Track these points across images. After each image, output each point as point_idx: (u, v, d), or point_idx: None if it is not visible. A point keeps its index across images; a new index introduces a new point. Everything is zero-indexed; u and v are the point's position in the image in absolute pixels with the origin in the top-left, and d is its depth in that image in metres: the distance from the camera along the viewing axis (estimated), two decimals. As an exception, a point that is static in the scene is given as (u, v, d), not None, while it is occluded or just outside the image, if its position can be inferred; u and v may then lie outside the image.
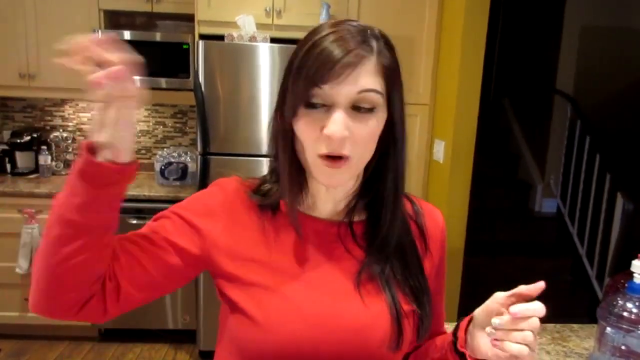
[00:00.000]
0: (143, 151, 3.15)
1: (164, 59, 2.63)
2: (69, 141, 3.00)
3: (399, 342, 0.70)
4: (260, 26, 2.38)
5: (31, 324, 2.66)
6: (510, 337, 0.63)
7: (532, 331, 0.62)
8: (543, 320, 0.64)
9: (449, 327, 1.19)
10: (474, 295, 2.70)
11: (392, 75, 0.69)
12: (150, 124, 3.12)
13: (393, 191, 0.74)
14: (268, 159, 2.47)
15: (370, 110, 0.66)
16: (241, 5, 2.42)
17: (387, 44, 0.69)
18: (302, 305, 0.70)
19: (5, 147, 2.92)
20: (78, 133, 3.10)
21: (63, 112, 3.08)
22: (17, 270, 2.54)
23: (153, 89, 2.71)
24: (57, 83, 2.73)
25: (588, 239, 3.30)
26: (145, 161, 3.14)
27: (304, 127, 0.67)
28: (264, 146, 2.39)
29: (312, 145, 0.67)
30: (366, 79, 0.65)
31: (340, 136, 0.64)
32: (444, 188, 2.37)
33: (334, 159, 0.66)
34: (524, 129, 4.11)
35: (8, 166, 2.89)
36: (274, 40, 2.37)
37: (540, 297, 0.64)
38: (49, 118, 3.08)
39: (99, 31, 2.62)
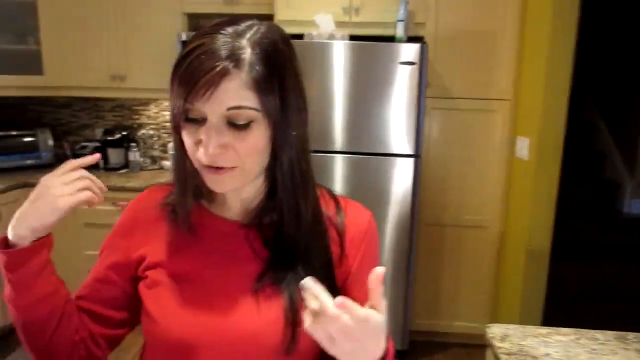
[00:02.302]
0: (221, 148, 3.28)
1: (244, 59, 2.70)
2: (155, 138, 3.18)
3: (290, 349, 0.69)
4: (338, 24, 2.39)
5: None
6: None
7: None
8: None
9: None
10: (561, 301, 2.55)
11: (266, 87, 0.65)
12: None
13: (289, 192, 0.72)
14: (341, 155, 2.47)
15: (247, 125, 0.65)
16: (319, 4, 2.45)
17: (265, 52, 0.65)
18: (196, 307, 0.72)
19: (98, 144, 3.15)
20: (162, 130, 3.28)
21: (149, 111, 3.27)
22: (110, 259, 2.73)
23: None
24: (144, 84, 2.90)
25: (686, 243, 3.04)
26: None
27: (185, 139, 0.68)
28: (337, 143, 2.40)
29: (193, 156, 0.68)
30: (233, 97, 0.63)
31: (212, 155, 0.65)
32: (528, 187, 2.28)
33: (217, 168, 0.67)
34: (611, 126, 3.85)
35: (101, 162, 3.11)
36: (353, 38, 2.38)
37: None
38: (137, 117, 3.28)
39: (183, 34, 2.75)
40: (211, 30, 0.65)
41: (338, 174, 2.42)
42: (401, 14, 2.33)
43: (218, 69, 0.61)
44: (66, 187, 0.69)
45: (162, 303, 0.73)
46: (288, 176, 0.72)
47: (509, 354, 1.06)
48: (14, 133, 3.04)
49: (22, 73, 2.84)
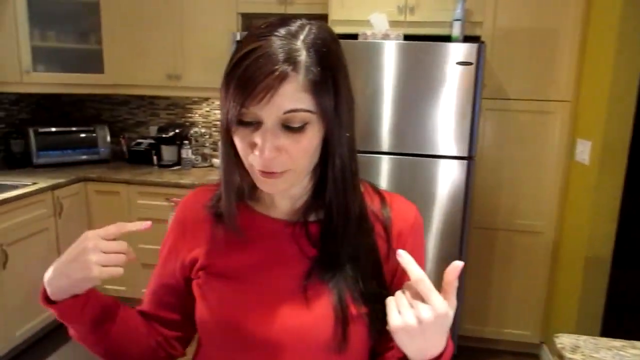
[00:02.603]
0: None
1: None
2: (206, 136, 3.25)
3: (342, 346, 0.69)
4: (392, 24, 2.37)
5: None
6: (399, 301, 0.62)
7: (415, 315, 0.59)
8: None
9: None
10: (621, 311, 2.44)
11: (322, 88, 0.64)
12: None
13: (340, 192, 0.72)
14: (390, 156, 2.44)
15: (302, 127, 0.65)
16: (374, 3, 2.44)
17: (319, 53, 0.64)
18: (246, 305, 0.73)
19: (152, 141, 3.25)
20: (213, 128, 3.35)
21: (201, 109, 3.35)
22: (163, 252, 2.81)
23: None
24: (198, 83, 2.97)
25: None
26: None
27: (238, 142, 0.68)
28: (388, 143, 2.38)
29: (247, 159, 0.68)
30: (290, 100, 0.62)
31: (267, 158, 0.64)
32: (589, 192, 2.19)
33: (267, 174, 0.67)
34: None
35: (154, 158, 3.21)
36: (407, 37, 2.35)
37: None
38: (189, 115, 3.37)
39: (237, 34, 2.80)
40: (265, 32, 0.64)
41: (386, 174, 2.40)
42: (458, 12, 2.28)
43: (277, 72, 0.61)
44: (104, 256, 0.68)
45: (213, 302, 0.75)
46: (339, 176, 0.72)
47: (581, 366, 1.03)
48: (74, 129, 3.18)
49: (83, 71, 2.97)
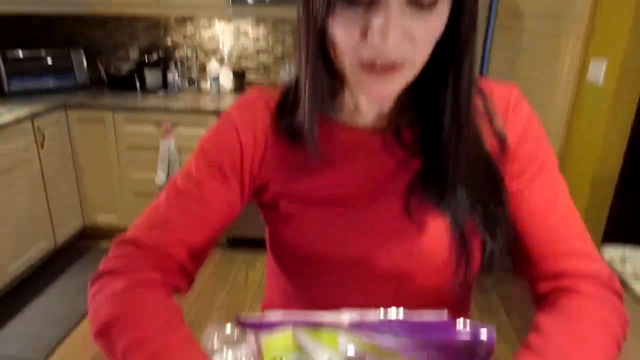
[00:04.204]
0: (261, 70, 3.13)
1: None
2: (193, 59, 3.02)
3: (467, 264, 0.61)
4: None
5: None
6: None
7: None
8: None
9: None
10: (624, 233, 2.47)
11: None
12: (270, 42, 3.05)
13: (465, 102, 0.58)
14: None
15: (433, 2, 0.50)
16: None
17: None
18: (350, 231, 0.63)
19: (133, 65, 3.00)
20: (198, 50, 3.11)
21: (185, 30, 3.09)
22: (156, 180, 2.67)
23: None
24: (182, 1, 2.70)
25: None
26: (264, 80, 3.13)
27: (341, 30, 0.52)
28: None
29: (352, 53, 0.53)
30: None
31: (393, 45, 0.50)
32: (602, 114, 2.15)
33: (381, 69, 0.53)
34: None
35: (137, 82, 2.97)
36: None
37: None
38: (175, 36, 3.10)
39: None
40: None
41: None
42: None
43: None
44: None
45: (305, 232, 0.65)
46: (467, 77, 0.57)
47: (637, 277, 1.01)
48: (44, 53, 2.88)
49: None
